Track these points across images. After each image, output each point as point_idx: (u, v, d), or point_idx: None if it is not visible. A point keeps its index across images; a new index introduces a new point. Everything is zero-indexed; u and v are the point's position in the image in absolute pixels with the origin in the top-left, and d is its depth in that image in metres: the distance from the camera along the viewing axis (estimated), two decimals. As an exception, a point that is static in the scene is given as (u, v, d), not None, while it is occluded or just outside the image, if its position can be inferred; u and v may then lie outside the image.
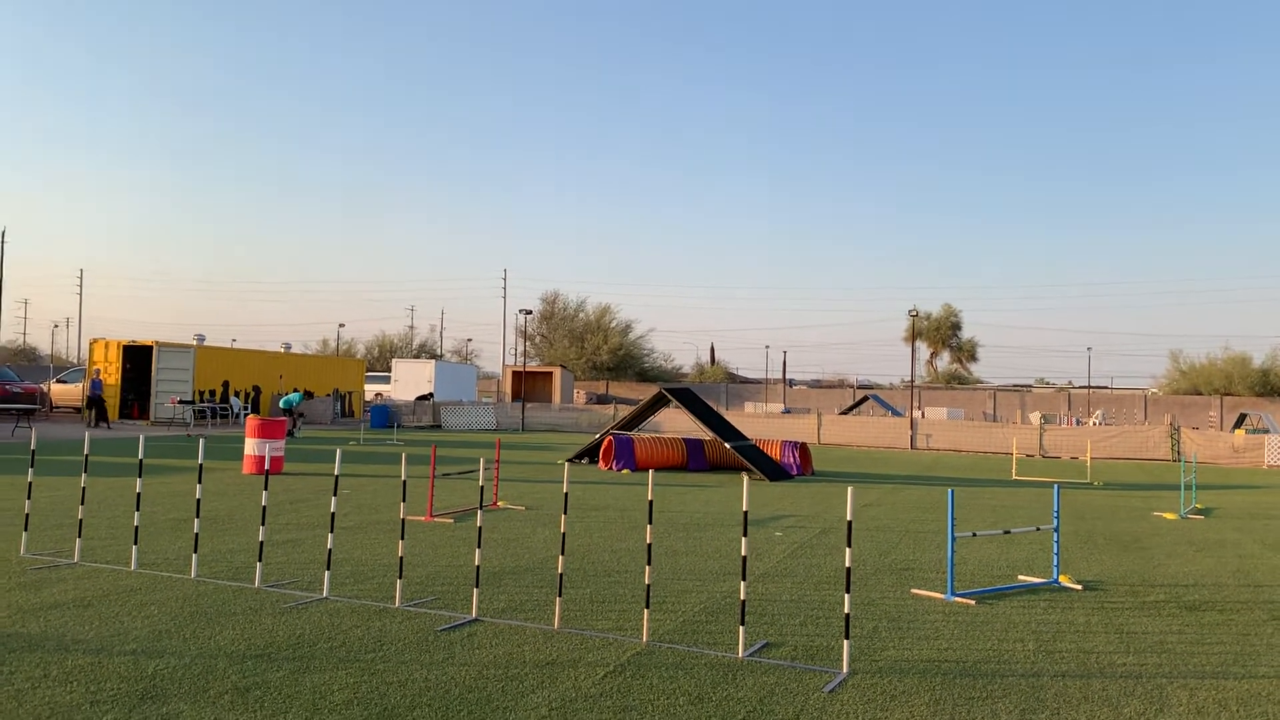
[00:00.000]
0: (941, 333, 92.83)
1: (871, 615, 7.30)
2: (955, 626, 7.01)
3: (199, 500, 7.77)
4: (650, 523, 6.39)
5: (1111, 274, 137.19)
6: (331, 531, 7.29)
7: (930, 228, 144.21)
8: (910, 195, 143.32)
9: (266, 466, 7.50)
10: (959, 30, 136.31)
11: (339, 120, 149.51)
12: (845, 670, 5.74)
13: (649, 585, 6.40)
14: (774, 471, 18.84)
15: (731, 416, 33.84)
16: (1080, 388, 76.67)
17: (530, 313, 46.52)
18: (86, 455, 8.42)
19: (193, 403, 32.83)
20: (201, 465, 7.78)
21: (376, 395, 51.49)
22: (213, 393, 34.66)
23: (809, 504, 14.50)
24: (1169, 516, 14.22)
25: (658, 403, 20.64)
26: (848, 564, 5.87)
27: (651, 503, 6.36)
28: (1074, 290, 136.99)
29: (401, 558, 7.11)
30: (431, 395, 47.74)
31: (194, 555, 7.98)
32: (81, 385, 34.96)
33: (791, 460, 20.24)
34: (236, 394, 35.85)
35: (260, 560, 7.67)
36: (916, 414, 46.17)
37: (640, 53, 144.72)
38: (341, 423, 38.99)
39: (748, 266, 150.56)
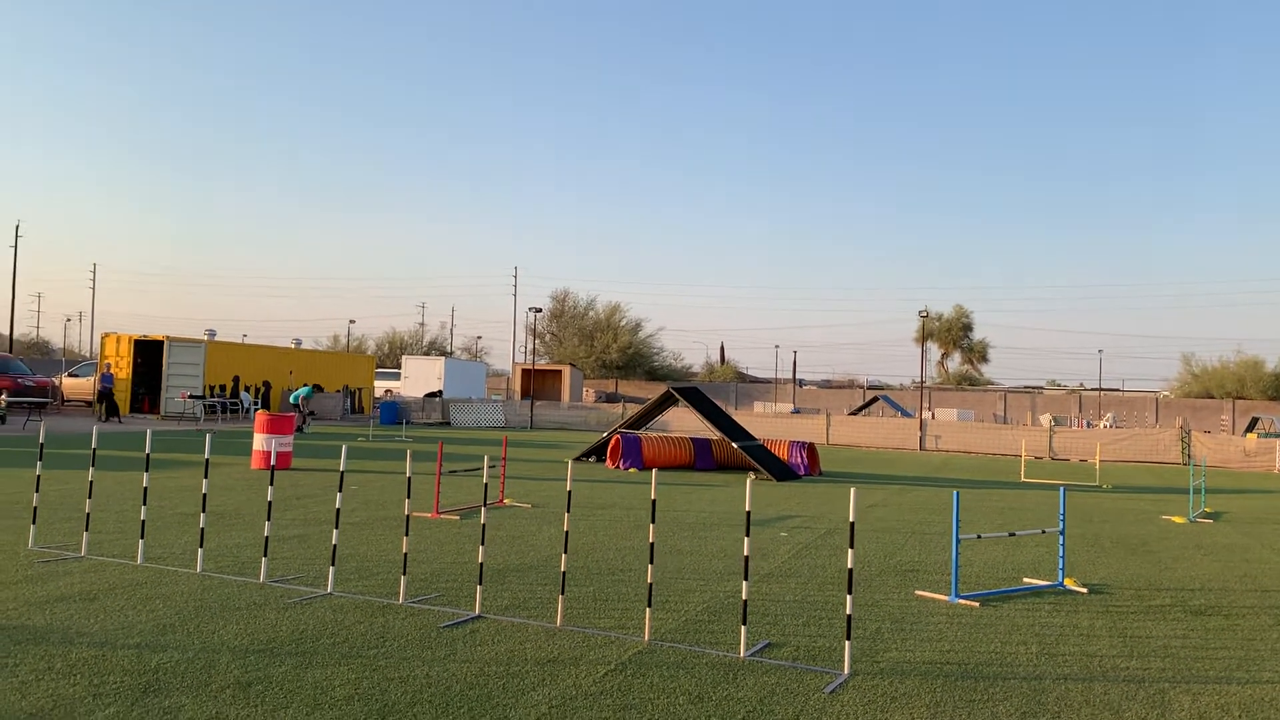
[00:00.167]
0: (953, 334, 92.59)
1: (875, 616, 7.29)
2: (958, 629, 7.00)
3: (205, 495, 7.81)
4: (653, 521, 6.39)
5: (1124, 276, 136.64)
6: (336, 527, 7.31)
7: (942, 228, 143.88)
8: (922, 195, 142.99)
9: (272, 462, 7.53)
10: (965, 29, 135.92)
11: (351, 119, 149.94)
12: (846, 671, 5.74)
13: (651, 584, 6.40)
14: (781, 472, 18.82)
15: (740, 416, 33.82)
16: (1091, 390, 76.40)
17: (540, 311, 46.57)
18: (94, 449, 8.46)
19: (203, 398, 32.96)
20: (208, 460, 7.82)
21: (386, 392, 51.61)
22: (223, 388, 34.79)
23: (816, 504, 14.48)
24: (1177, 520, 14.16)
25: (665, 402, 20.64)
26: (849, 565, 5.86)
27: (655, 501, 6.37)
28: (1086, 292, 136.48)
29: (405, 554, 7.12)
30: (441, 392, 47.84)
31: (200, 550, 8.01)
32: (93, 379, 35.13)
33: (799, 460, 20.21)
34: (247, 389, 35.98)
35: (265, 555, 7.70)
36: (926, 415, 46.06)
37: (647, 53, 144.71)
38: (351, 419, 39.09)
39: (758, 266, 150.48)
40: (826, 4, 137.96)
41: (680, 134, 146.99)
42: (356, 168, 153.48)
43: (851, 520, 5.91)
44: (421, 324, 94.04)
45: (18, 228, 62.56)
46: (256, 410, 30.56)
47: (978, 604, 7.84)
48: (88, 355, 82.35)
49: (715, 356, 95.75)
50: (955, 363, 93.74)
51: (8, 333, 61.69)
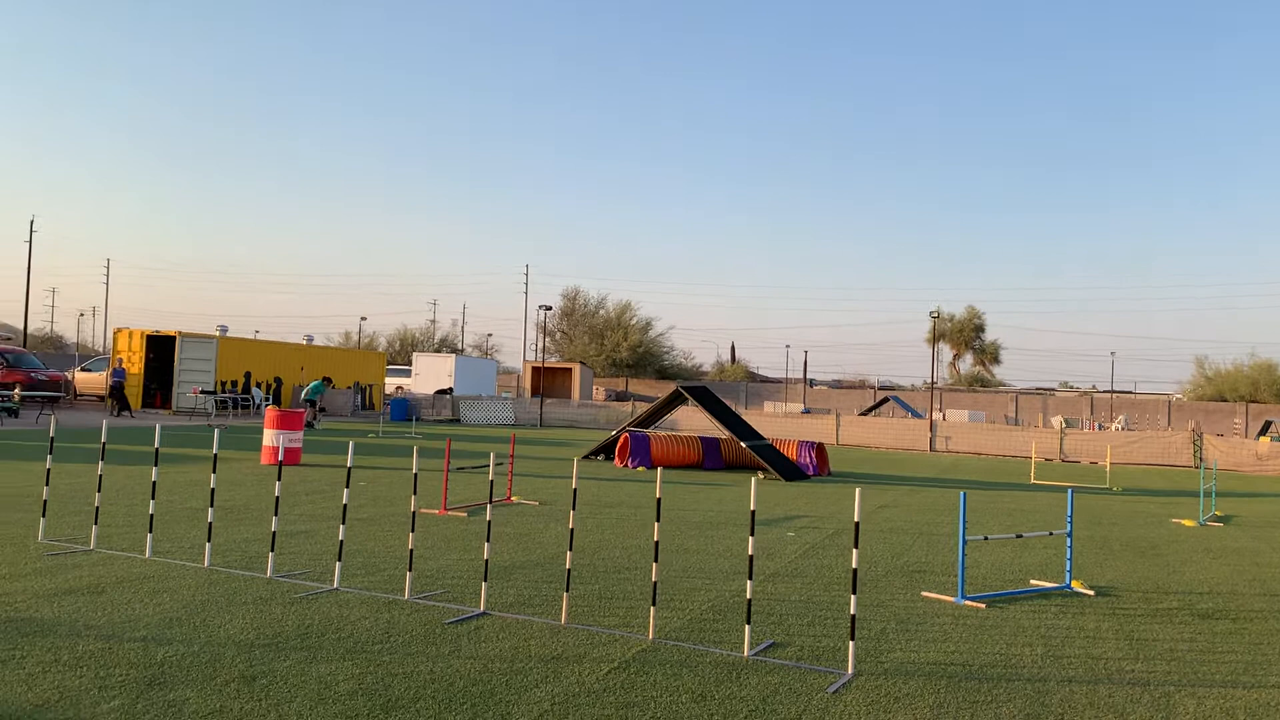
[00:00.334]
0: (964, 335, 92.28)
1: (880, 617, 7.28)
2: (964, 630, 6.98)
3: (213, 490, 7.85)
4: (658, 520, 6.39)
5: (1138, 278, 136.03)
6: (343, 523, 7.34)
7: (955, 228, 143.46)
8: (934, 195, 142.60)
9: (280, 457, 7.56)
10: (977, 29, 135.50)
11: (364, 116, 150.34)
12: (850, 671, 5.74)
13: (656, 583, 6.40)
14: (790, 471, 18.80)
15: (750, 416, 33.79)
16: (1104, 392, 76.09)
17: (551, 309, 46.60)
18: (104, 443, 8.51)
19: (214, 393, 33.10)
20: (216, 455, 7.86)
21: (397, 388, 51.73)
22: (235, 383, 34.94)
23: (824, 504, 14.47)
24: (1187, 523, 14.10)
25: (674, 401, 20.64)
26: (853, 565, 5.86)
27: (660, 500, 6.38)
28: (1099, 294, 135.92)
29: (411, 550, 7.14)
30: (451, 389, 47.94)
31: (208, 544, 8.05)
32: (105, 374, 35.32)
33: (808, 460, 20.19)
34: (258, 385, 36.12)
35: (273, 550, 7.73)
36: (937, 416, 45.95)
37: (658, 50, 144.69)
38: (361, 415, 39.21)
39: (769, 265, 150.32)
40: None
41: (692, 132, 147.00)
42: (369, 164, 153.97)
43: (856, 520, 5.90)
44: (433, 321, 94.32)
45: (32, 223, 62.91)
46: (267, 406, 30.69)
47: (984, 605, 7.82)
48: (101, 350, 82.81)
49: (726, 356, 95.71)
50: (967, 364, 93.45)
51: (22, 327, 62.05)
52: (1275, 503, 18.21)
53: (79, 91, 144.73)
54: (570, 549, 6.63)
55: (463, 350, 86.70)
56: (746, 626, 6.10)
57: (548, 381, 55.85)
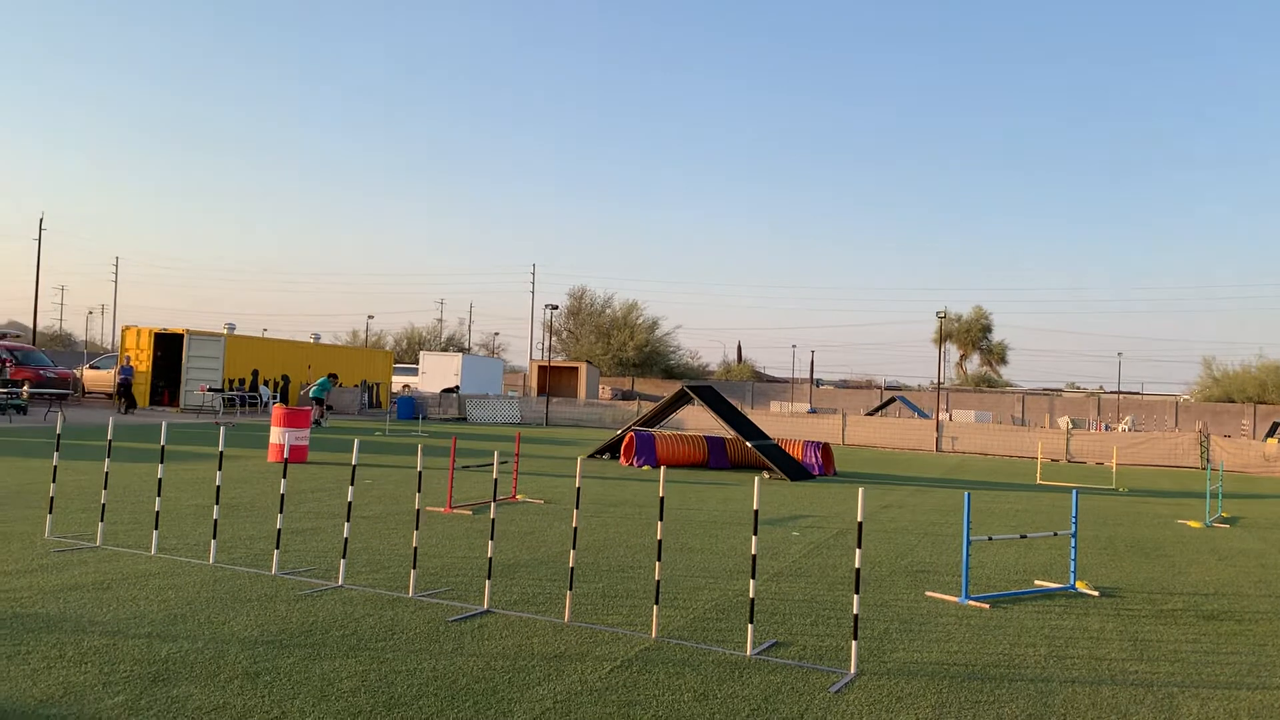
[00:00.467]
0: (971, 335, 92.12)
1: (884, 617, 7.28)
2: (967, 630, 6.98)
3: (219, 487, 7.87)
4: (661, 519, 6.41)
5: (1145, 279, 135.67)
6: (348, 521, 7.36)
7: (962, 229, 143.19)
8: (941, 195, 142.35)
9: (285, 455, 7.59)
10: (987, 28, 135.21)
11: (370, 114, 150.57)
12: (853, 671, 5.74)
13: (659, 581, 6.41)
14: (795, 471, 18.79)
15: (756, 415, 33.78)
16: (1111, 393, 75.91)
17: (557, 308, 46.64)
18: (110, 440, 8.54)
19: (222, 391, 33.19)
20: (222, 453, 7.88)
21: (404, 387, 51.81)
22: (242, 381, 35.02)
23: (829, 504, 14.46)
24: (1194, 524, 14.06)
25: (680, 400, 20.64)
26: (856, 565, 5.86)
27: (663, 499, 6.38)
28: (1106, 294, 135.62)
29: (415, 548, 7.16)
30: (458, 388, 48.00)
31: (213, 541, 8.08)
32: (113, 371, 35.44)
33: (813, 460, 20.18)
34: (265, 383, 36.21)
35: (278, 548, 7.76)
36: (943, 416, 45.89)
37: (666, 48, 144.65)
38: (368, 413, 39.28)
39: (777, 265, 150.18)
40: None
41: (700, 130, 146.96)
42: (377, 163, 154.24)
43: (860, 520, 5.91)
44: (440, 320, 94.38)
45: (41, 221, 63.16)
46: (274, 404, 30.77)
47: (988, 606, 7.81)
48: (109, 348, 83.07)
49: (732, 355, 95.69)
50: (974, 364, 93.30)
51: (31, 325, 62.27)
52: (1282, 504, 18.14)
53: (88, 89, 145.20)
54: (574, 547, 6.64)
55: (469, 349, 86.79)
56: (749, 626, 6.11)
57: (554, 380, 55.87)
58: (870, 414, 47.06)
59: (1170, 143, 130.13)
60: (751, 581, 6.08)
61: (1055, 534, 8.43)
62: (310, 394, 27.62)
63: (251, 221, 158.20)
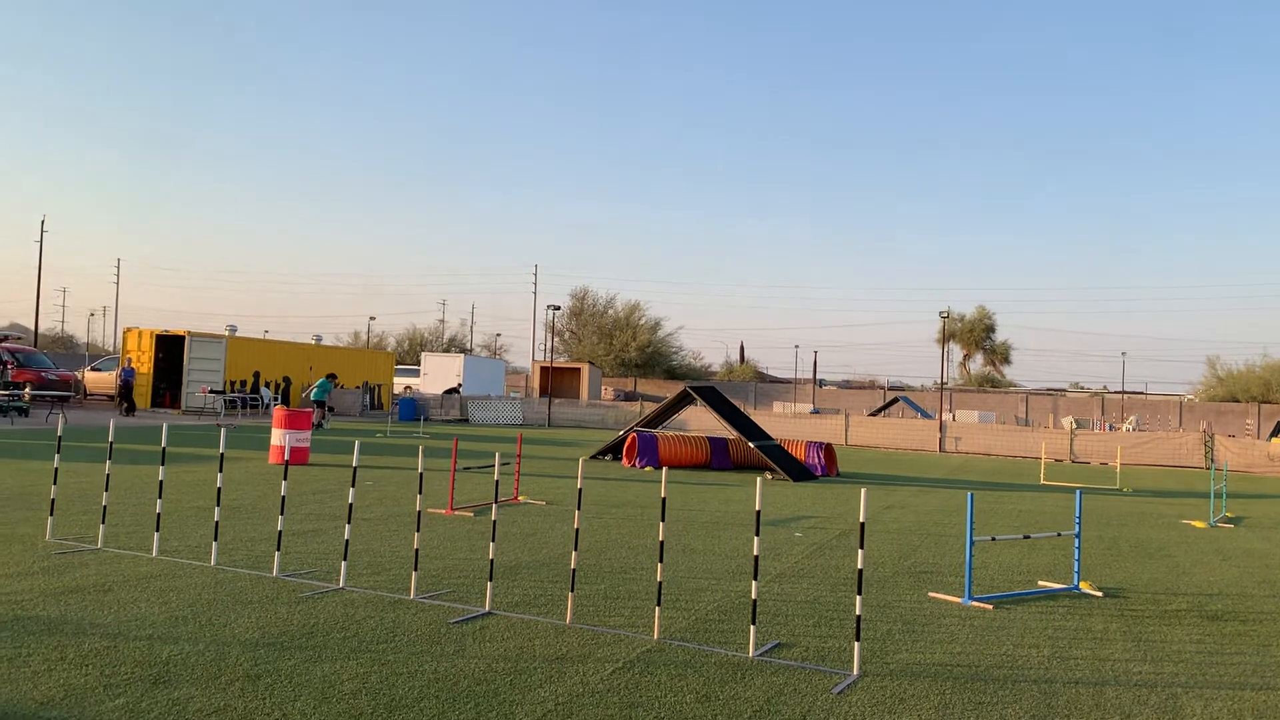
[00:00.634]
0: (975, 335, 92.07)
1: (886, 618, 7.25)
2: (970, 631, 6.95)
3: (220, 489, 7.86)
4: (663, 520, 6.39)
5: (1149, 278, 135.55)
6: (349, 522, 7.34)
7: (965, 228, 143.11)
8: (944, 195, 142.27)
9: (286, 457, 7.58)
10: (988, 27, 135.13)
11: (371, 116, 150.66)
12: (856, 672, 5.72)
13: (661, 583, 6.39)
14: (798, 472, 18.77)
15: (759, 416, 33.76)
16: (1115, 393, 75.82)
17: (559, 309, 46.63)
18: (111, 442, 8.54)
19: (223, 393, 33.20)
20: (223, 455, 7.88)
21: (406, 388, 51.82)
22: (244, 383, 35.04)
23: (831, 505, 14.43)
24: (1198, 525, 14.03)
25: (682, 401, 20.62)
26: (859, 566, 5.84)
27: (665, 500, 6.37)
28: (1110, 294, 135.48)
29: (417, 550, 7.15)
30: (459, 389, 47.99)
31: (214, 543, 8.07)
32: (115, 373, 35.46)
33: (816, 461, 20.15)
34: (267, 385, 36.22)
35: (279, 550, 7.74)
36: (946, 416, 45.84)
37: (665, 46, 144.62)
38: (370, 415, 39.28)
39: (779, 265, 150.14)
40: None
41: (702, 130, 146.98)
42: (378, 165, 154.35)
43: (862, 521, 5.89)
44: (442, 321, 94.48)
45: (43, 223, 63.24)
46: (276, 406, 30.79)
47: (991, 606, 7.79)
48: (111, 350, 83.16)
49: (735, 356, 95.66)
50: (977, 364, 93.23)
51: (33, 327, 62.33)
52: (1286, 504, 18.10)
53: (89, 92, 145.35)
54: (576, 549, 6.63)
55: (471, 350, 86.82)
56: (752, 627, 6.09)
57: (556, 381, 55.88)
58: (873, 414, 47.02)
59: (1175, 140, 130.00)
60: (754, 583, 6.06)
61: (1059, 534, 8.41)
62: (311, 396, 27.61)
63: (253, 223, 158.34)
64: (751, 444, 18.87)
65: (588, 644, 6.10)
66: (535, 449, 24.03)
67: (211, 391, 32.98)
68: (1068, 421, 43.63)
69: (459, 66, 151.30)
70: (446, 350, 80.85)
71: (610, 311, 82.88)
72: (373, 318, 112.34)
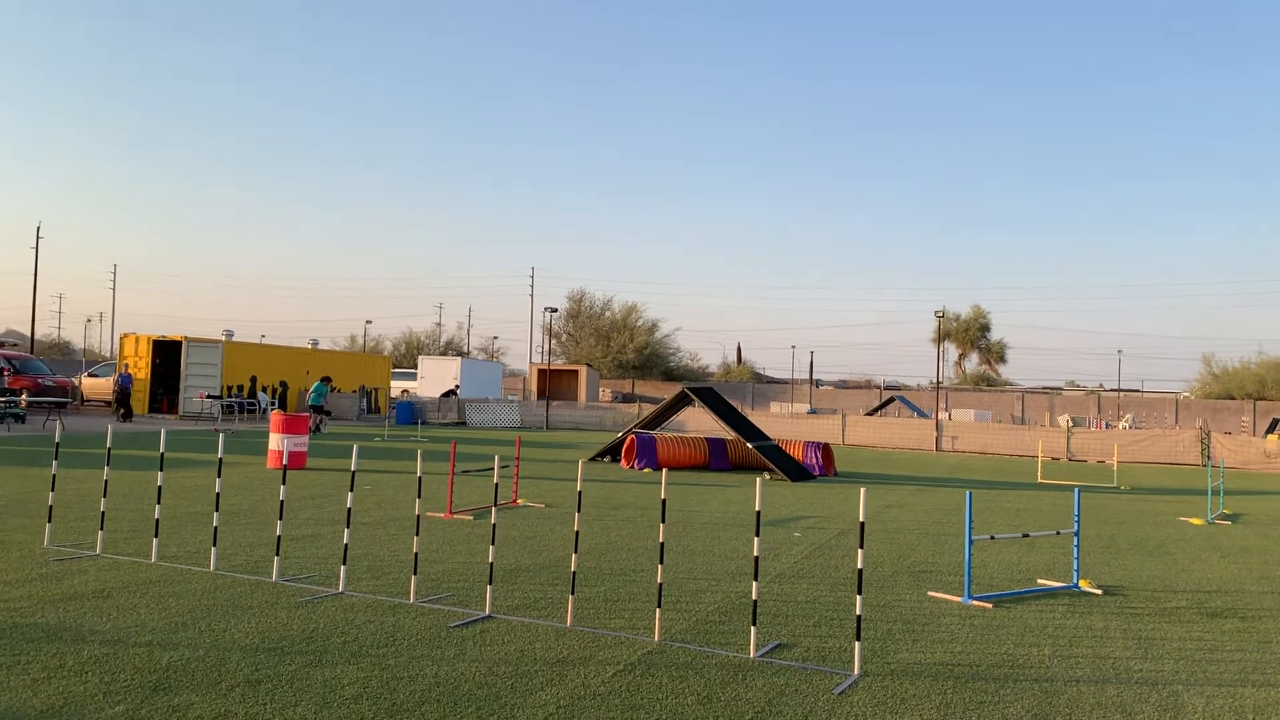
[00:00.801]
0: (970, 334, 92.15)
1: (887, 617, 7.25)
2: (970, 630, 6.96)
3: (218, 494, 7.85)
4: (663, 521, 6.38)
5: (1144, 276, 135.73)
6: (348, 527, 7.33)
7: (960, 228, 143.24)
8: (939, 195, 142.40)
9: (284, 461, 7.56)
10: (986, 29, 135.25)
11: (368, 120, 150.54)
12: (857, 672, 5.71)
13: (661, 584, 6.39)
14: (796, 472, 18.77)
15: (756, 416, 33.76)
16: (1111, 391, 75.92)
17: (556, 311, 46.62)
18: (109, 449, 8.52)
19: (220, 398, 33.15)
20: (221, 460, 7.86)
21: (403, 392, 51.78)
22: (241, 388, 34.99)
23: (830, 505, 14.44)
24: (1195, 522, 14.05)
25: (680, 402, 20.62)
26: (859, 565, 5.84)
27: (665, 501, 6.36)
28: (1105, 292, 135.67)
29: (416, 554, 7.14)
30: (456, 391, 47.95)
31: (213, 549, 8.05)
32: (113, 379, 35.40)
33: (814, 461, 20.16)
34: (264, 389, 36.17)
35: (278, 555, 7.73)
36: (943, 416, 45.87)
37: (661, 46, 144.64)
38: (367, 419, 39.24)
39: (776, 266, 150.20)
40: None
41: (697, 132, 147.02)
42: (374, 168, 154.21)
43: (862, 521, 5.89)
44: (438, 324, 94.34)
45: (39, 229, 63.13)
46: (273, 410, 30.74)
47: (991, 605, 7.79)
48: (108, 356, 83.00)
49: (732, 356, 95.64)
50: (973, 363, 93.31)
51: (29, 333, 62.21)
52: (1284, 500, 18.13)
53: (84, 98, 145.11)
54: (576, 551, 6.62)
55: (468, 353, 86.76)
56: (752, 628, 6.09)
57: (554, 384, 55.85)
58: (870, 414, 47.04)
59: (1169, 140, 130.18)
60: (754, 583, 6.06)
61: (1058, 533, 8.41)
62: (309, 401, 27.57)
63: (249, 228, 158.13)
64: (750, 445, 18.87)
65: (588, 647, 6.09)
66: (533, 451, 24.01)
67: (209, 396, 32.93)
68: (1064, 420, 43.66)
69: (455, 68, 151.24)
70: (443, 353, 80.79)
71: (607, 313, 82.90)
72: (369, 321, 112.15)
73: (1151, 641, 6.81)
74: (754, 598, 6.07)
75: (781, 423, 34.28)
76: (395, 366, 62.68)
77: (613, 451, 21.30)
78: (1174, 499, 17.59)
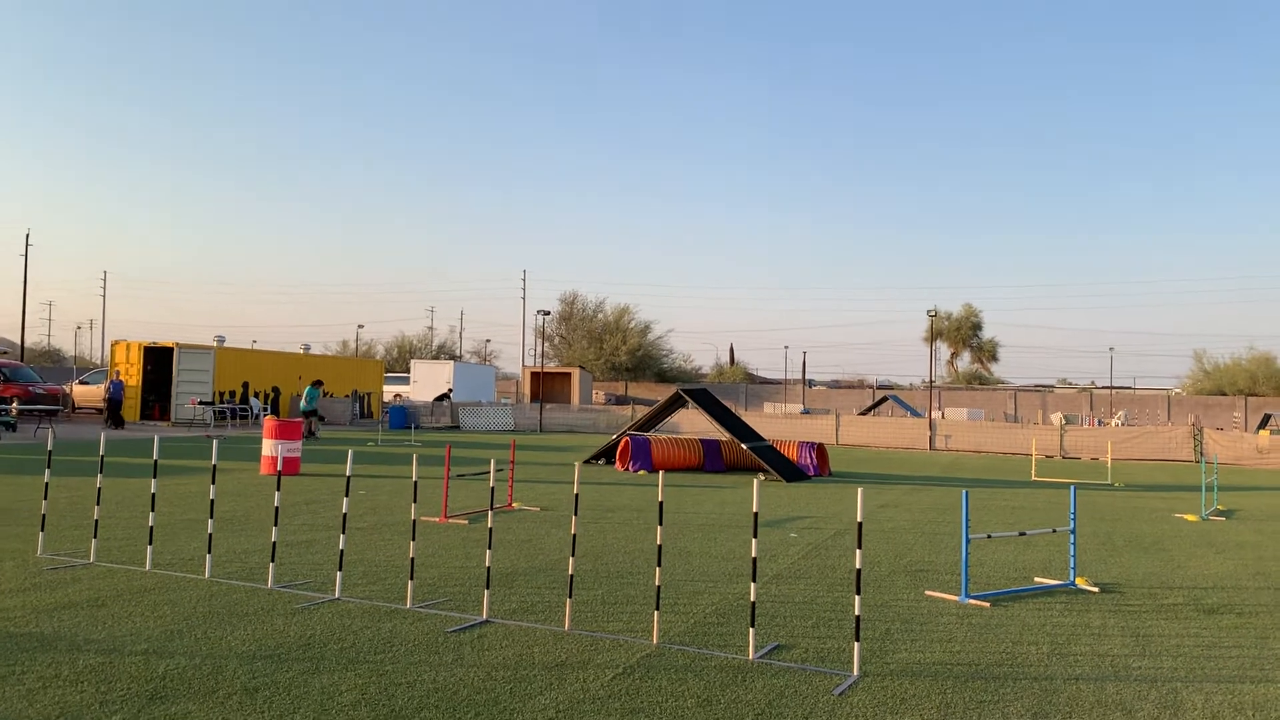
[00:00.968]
0: (962, 333, 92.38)
1: (884, 617, 7.25)
2: (968, 629, 6.95)
3: (213, 501, 7.81)
4: (660, 523, 6.36)
5: (1134, 273, 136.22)
6: (344, 532, 7.30)
7: (951, 227, 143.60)
8: (931, 194, 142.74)
9: (279, 467, 7.53)
10: (979, 25, 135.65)
11: (358, 123, 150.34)
12: (856, 673, 5.70)
13: (659, 587, 6.37)
14: (791, 472, 18.77)
15: (750, 417, 33.77)
16: (1103, 388, 76.13)
17: (548, 313, 46.56)
18: (102, 456, 8.48)
19: (213, 404, 33.05)
20: (215, 466, 7.82)
21: (395, 396, 51.68)
22: (233, 394, 34.88)
23: (825, 505, 14.44)
24: (1190, 518, 14.08)
25: (675, 403, 20.62)
26: (857, 565, 5.83)
27: (662, 503, 6.35)
28: (1096, 290, 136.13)
29: (412, 559, 7.11)
30: (449, 395, 47.89)
31: (208, 556, 8.02)
32: (104, 386, 35.27)
33: (809, 461, 20.17)
34: (256, 395, 36.07)
35: (273, 561, 7.70)
36: (936, 415, 45.95)
37: (652, 48, 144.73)
38: (360, 423, 39.16)
39: (767, 266, 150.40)
40: None
41: (691, 134, 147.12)
42: (365, 171, 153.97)
43: (859, 521, 5.88)
44: (430, 328, 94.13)
45: (28, 236, 62.92)
46: (265, 416, 30.64)
47: (988, 604, 7.79)
48: (99, 363, 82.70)
49: (725, 358, 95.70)
50: (965, 362, 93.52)
51: (19, 341, 61.95)
52: (1277, 496, 18.19)
53: (73, 104, 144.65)
54: (573, 554, 6.60)
55: (461, 357, 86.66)
56: (750, 629, 6.08)
57: (547, 387, 55.79)
58: (863, 414, 47.12)
59: (1159, 136, 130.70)
60: (752, 584, 6.05)
61: (1054, 530, 8.42)
62: (301, 407, 27.48)
63: (239, 233, 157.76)
64: (744, 445, 18.87)
65: (587, 650, 6.07)
66: (528, 455, 23.98)
67: (201, 403, 32.83)
68: (1057, 417, 43.78)
69: (447, 71, 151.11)
70: (436, 357, 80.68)
71: (600, 315, 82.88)
72: (361, 326, 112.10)
73: (1149, 638, 6.81)
74: (752, 599, 6.05)
75: (775, 423, 34.29)
76: (388, 371, 62.56)
77: (607, 454, 21.28)
78: (1168, 495, 17.63)
